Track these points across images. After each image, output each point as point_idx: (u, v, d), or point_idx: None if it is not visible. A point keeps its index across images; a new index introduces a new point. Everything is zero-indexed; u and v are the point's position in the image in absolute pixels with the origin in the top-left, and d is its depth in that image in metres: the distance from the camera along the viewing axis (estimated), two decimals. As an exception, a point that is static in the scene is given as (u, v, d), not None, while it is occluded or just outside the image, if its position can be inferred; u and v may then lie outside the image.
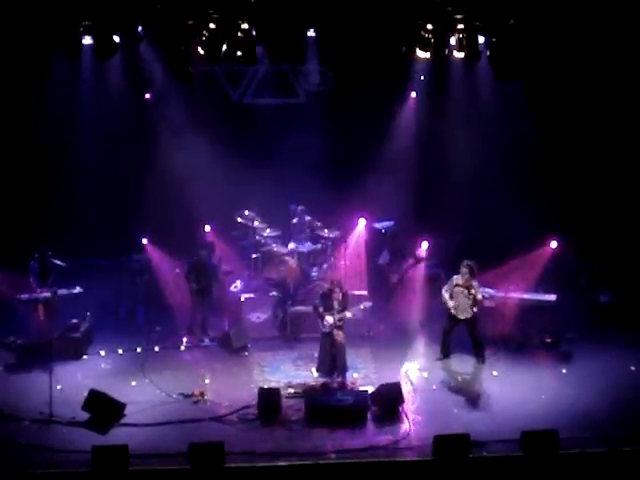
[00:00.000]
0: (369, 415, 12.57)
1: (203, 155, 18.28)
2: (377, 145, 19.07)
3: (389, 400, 12.74)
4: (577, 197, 18.60)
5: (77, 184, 18.27)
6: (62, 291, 15.54)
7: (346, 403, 12.60)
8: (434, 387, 13.93)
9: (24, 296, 15.38)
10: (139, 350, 15.39)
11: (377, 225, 18.31)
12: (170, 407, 12.89)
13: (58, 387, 12.98)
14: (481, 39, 14.79)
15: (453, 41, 14.85)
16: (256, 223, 17.63)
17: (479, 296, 14.60)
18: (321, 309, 14.04)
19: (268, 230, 17.71)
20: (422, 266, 17.40)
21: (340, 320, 13.91)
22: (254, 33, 14.25)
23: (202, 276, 16.08)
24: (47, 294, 15.29)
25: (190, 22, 13.96)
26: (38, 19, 13.63)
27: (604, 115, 18.15)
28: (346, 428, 12.16)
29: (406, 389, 13.25)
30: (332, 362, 13.93)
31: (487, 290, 15.62)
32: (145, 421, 12.29)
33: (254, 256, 17.40)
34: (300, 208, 18.04)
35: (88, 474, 10.79)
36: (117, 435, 11.92)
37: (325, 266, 17.44)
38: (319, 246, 17.70)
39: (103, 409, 12.40)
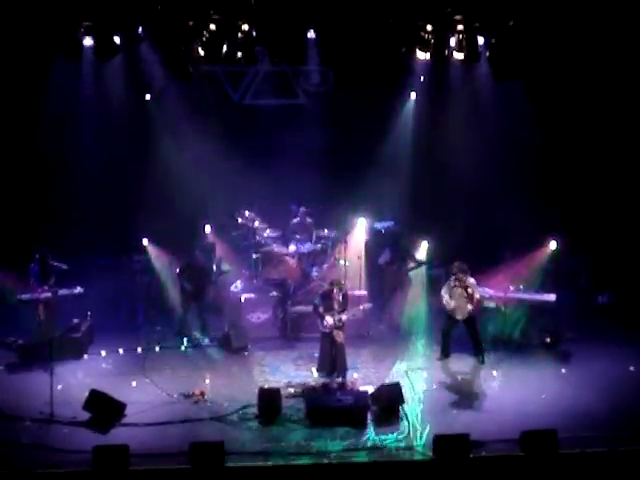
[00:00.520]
0: (369, 415, 12.56)
1: (203, 156, 18.29)
2: (377, 145, 19.10)
3: (389, 400, 12.74)
4: (576, 197, 18.62)
5: (78, 184, 18.26)
6: (63, 291, 15.53)
7: (346, 403, 12.60)
8: (434, 387, 13.94)
9: (25, 296, 15.39)
10: (140, 350, 15.41)
11: (377, 225, 18.33)
12: (171, 407, 12.89)
13: (59, 387, 13.01)
14: (481, 40, 14.83)
15: (453, 42, 14.89)
16: (256, 223, 17.63)
17: (477, 295, 14.65)
18: (321, 309, 14.05)
19: (268, 230, 17.72)
20: (424, 267, 17.46)
21: (340, 320, 13.93)
22: (254, 34, 14.28)
23: (195, 277, 16.08)
24: (48, 294, 15.30)
25: (190, 23, 13.99)
26: (39, 20, 13.67)
27: (604, 115, 18.18)
28: (346, 428, 12.16)
29: (406, 389, 13.25)
30: (332, 362, 13.95)
31: (487, 290, 15.65)
32: (146, 421, 12.29)
33: (254, 256, 17.41)
34: (302, 209, 18.06)
35: (89, 474, 10.78)
36: (118, 435, 11.92)
37: (325, 266, 17.45)
38: (319, 246, 17.71)
39: (104, 409, 12.40)
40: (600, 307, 17.30)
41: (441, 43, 14.66)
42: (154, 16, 13.86)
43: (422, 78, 18.73)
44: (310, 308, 14.69)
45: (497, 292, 15.96)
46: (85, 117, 18.34)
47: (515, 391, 13.57)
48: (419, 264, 17.30)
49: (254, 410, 12.62)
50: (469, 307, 14.64)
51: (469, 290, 14.59)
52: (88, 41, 14.77)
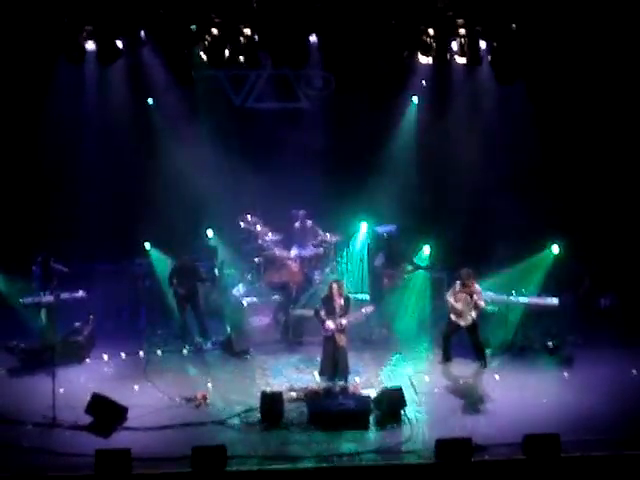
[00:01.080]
0: (371, 419, 12.56)
1: (205, 159, 18.31)
2: (379, 149, 19.11)
3: (391, 404, 12.73)
4: (579, 201, 18.60)
5: (80, 188, 18.27)
6: (65, 295, 15.54)
7: (348, 407, 12.61)
8: (436, 391, 13.93)
9: (27, 300, 15.41)
10: (141, 354, 15.41)
11: (379, 229, 18.34)
12: (173, 411, 12.88)
13: (61, 391, 12.99)
14: (482, 44, 14.85)
15: (455, 46, 14.91)
16: (258, 227, 17.65)
17: (481, 302, 14.58)
18: (323, 313, 14.04)
19: (270, 234, 17.73)
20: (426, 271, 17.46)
21: (342, 324, 13.91)
22: (256, 38, 14.30)
23: (186, 279, 16.07)
24: (50, 298, 15.32)
25: (193, 27, 14.01)
26: (42, 24, 13.69)
27: (605, 119, 18.17)
28: (348, 432, 12.16)
29: (408, 393, 13.24)
30: (334, 366, 13.93)
31: (489, 294, 15.63)
32: (148, 425, 12.29)
33: (256, 260, 17.41)
34: (301, 212, 18.07)
35: (91, 477, 10.79)
36: (120, 439, 11.92)
37: (327, 270, 17.46)
38: (321, 250, 17.72)
39: (106, 413, 12.40)
40: (602, 311, 17.27)
41: (443, 47, 14.70)
42: (156, 20, 13.88)
43: (424, 82, 18.73)
44: (312, 312, 14.69)
45: (499, 296, 15.94)
46: (87, 121, 18.35)
47: (517, 395, 13.55)
48: (417, 268, 17.22)
49: (256, 414, 12.63)
50: (473, 314, 14.59)
51: (474, 297, 14.53)
52: (91, 45, 14.79)
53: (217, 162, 18.17)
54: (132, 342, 15.80)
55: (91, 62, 15.58)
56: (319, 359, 14.30)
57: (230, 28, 14.12)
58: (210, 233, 18.11)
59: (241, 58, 14.60)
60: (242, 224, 17.77)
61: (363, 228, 17.98)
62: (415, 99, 19.34)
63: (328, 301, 14.10)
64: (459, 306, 14.63)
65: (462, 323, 14.69)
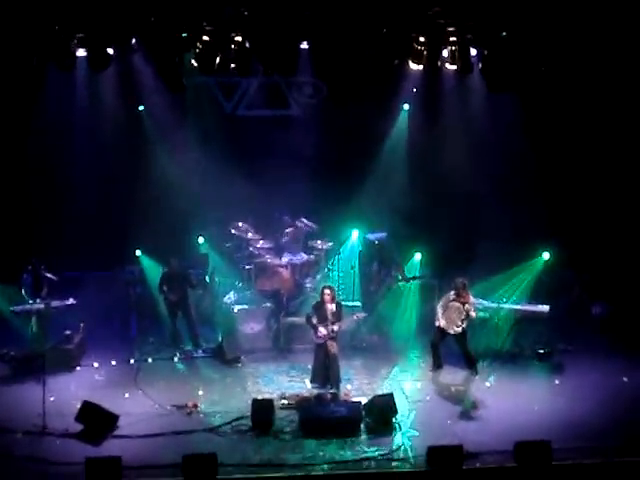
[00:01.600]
0: (362, 426, 12.55)
1: (196, 166, 18.31)
2: (370, 157, 19.11)
3: (382, 411, 12.73)
4: (570, 208, 18.65)
5: (70, 195, 18.23)
6: (55, 303, 15.52)
7: (340, 414, 12.60)
8: (427, 398, 13.95)
9: (18, 308, 15.38)
10: (132, 361, 15.38)
11: (370, 236, 18.33)
12: (163, 418, 12.85)
13: (51, 399, 12.95)
14: (473, 51, 14.87)
15: (445, 53, 14.93)
16: (250, 235, 17.63)
17: (472, 313, 14.56)
18: (314, 320, 14.03)
19: (262, 242, 17.70)
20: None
21: (333, 331, 13.90)
22: (247, 45, 14.29)
23: (175, 285, 16.04)
24: (40, 306, 15.28)
25: (184, 34, 14.00)
26: (32, 31, 13.66)
27: (597, 126, 18.22)
28: (339, 439, 12.14)
29: (399, 400, 13.23)
30: (326, 373, 13.91)
31: (480, 301, 15.64)
32: (138, 432, 12.26)
33: (248, 267, 17.39)
34: (286, 218, 18.03)
35: (81, 486, 10.77)
36: (110, 447, 11.88)
37: (318, 277, 17.45)
38: (312, 257, 17.71)
39: (96, 420, 12.37)
40: (593, 318, 17.30)
41: (434, 55, 14.69)
42: (147, 27, 13.86)
43: (415, 89, 18.75)
44: (303, 319, 14.67)
45: (490, 303, 15.96)
46: (78, 127, 18.32)
47: (508, 402, 13.56)
48: (408, 280, 17.13)
49: (247, 422, 12.60)
50: (462, 324, 14.57)
51: (466, 307, 14.51)
52: (81, 52, 14.76)
53: (208, 169, 18.14)
54: (123, 350, 15.79)
55: (82, 68, 15.54)
56: (310, 366, 14.29)
57: (221, 35, 14.11)
58: (201, 240, 18.09)
59: (232, 65, 14.58)
60: (233, 231, 17.74)
61: (354, 235, 17.98)
62: (406, 106, 19.34)
63: (320, 307, 14.08)
64: (444, 318, 14.60)
65: (450, 331, 14.68)
